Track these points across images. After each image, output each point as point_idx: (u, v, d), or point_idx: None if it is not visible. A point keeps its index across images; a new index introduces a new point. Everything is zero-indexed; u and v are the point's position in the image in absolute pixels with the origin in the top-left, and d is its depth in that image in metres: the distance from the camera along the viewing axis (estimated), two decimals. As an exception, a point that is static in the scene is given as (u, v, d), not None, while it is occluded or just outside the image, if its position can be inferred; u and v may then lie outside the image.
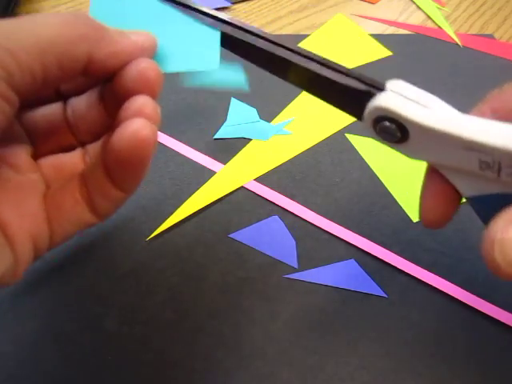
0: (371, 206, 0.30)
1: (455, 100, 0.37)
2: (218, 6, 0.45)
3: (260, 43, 0.19)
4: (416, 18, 0.46)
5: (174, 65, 0.20)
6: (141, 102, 0.16)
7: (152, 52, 0.18)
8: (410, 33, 0.44)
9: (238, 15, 0.45)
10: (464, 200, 0.19)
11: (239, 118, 0.35)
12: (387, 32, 0.44)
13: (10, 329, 0.25)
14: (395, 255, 0.28)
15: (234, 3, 0.46)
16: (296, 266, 0.27)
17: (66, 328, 0.25)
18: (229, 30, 0.19)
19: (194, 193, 0.31)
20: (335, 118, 0.35)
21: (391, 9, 0.47)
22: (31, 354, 0.24)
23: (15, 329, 0.25)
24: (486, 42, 0.42)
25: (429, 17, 0.45)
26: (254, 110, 0.36)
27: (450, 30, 0.43)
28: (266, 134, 0.34)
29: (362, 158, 0.33)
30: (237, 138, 0.34)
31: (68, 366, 0.24)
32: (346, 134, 0.34)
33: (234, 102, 0.37)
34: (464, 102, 0.37)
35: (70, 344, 0.24)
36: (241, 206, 0.30)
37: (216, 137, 0.34)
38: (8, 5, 0.44)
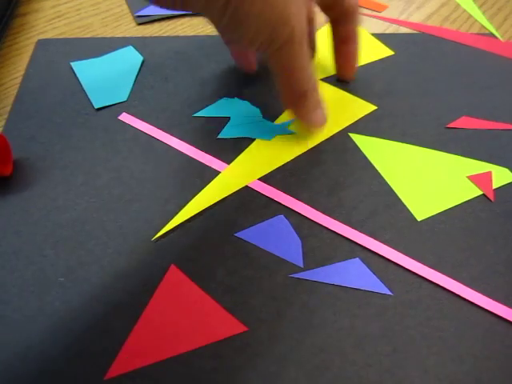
0: (375, 205, 0.30)
1: (457, 98, 0.37)
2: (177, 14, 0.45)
3: None
4: (417, 17, 0.46)
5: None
6: None
7: None
8: (412, 31, 0.44)
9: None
10: None
11: (243, 117, 0.35)
12: (389, 30, 0.44)
13: (10, 329, 0.25)
14: (400, 253, 0.28)
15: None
16: (301, 265, 0.27)
17: (68, 328, 0.25)
18: None
19: (198, 192, 0.31)
20: (339, 117, 0.35)
21: (392, 7, 0.47)
22: (31, 353, 0.24)
23: (15, 329, 0.25)
24: (487, 41, 0.42)
25: (471, 15, 0.45)
26: (258, 109, 0.36)
27: (492, 29, 0.44)
28: (269, 134, 0.34)
29: (366, 157, 0.33)
30: (240, 137, 0.34)
31: (68, 366, 0.24)
32: (350, 134, 0.34)
33: (237, 101, 0.37)
34: (465, 101, 0.37)
35: (71, 344, 0.24)
36: (246, 205, 0.30)
37: (220, 136, 0.34)
38: (8, 5, 0.44)
